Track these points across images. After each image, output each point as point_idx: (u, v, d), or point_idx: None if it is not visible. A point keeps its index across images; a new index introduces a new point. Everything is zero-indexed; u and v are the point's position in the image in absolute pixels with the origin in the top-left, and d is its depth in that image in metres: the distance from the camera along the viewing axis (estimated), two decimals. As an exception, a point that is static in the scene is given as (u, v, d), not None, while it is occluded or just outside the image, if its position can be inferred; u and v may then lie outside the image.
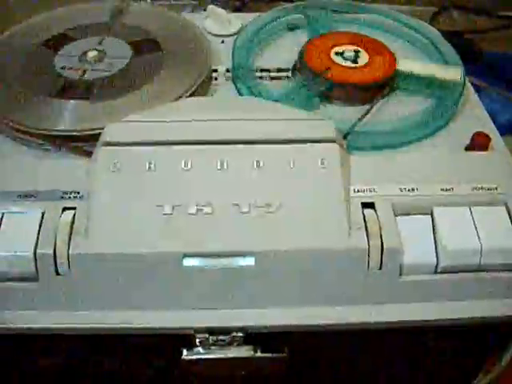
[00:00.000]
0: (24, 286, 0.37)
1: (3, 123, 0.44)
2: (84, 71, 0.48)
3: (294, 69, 0.51)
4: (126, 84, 0.47)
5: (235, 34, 0.55)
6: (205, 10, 0.58)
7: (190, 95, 0.46)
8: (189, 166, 0.39)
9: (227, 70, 0.51)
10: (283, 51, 0.53)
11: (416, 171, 0.41)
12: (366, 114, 0.46)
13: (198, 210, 0.37)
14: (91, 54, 0.49)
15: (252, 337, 0.39)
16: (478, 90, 0.52)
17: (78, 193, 0.39)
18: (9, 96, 0.46)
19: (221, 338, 0.39)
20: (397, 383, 0.47)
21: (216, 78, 0.50)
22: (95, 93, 0.46)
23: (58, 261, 0.36)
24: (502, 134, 0.46)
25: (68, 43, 0.51)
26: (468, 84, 0.51)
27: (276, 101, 0.45)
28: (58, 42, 0.52)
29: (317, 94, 0.48)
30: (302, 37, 0.54)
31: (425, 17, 0.94)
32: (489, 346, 0.44)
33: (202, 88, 0.48)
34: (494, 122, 0.48)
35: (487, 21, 0.96)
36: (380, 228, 0.37)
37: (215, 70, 0.51)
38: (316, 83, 0.48)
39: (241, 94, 0.48)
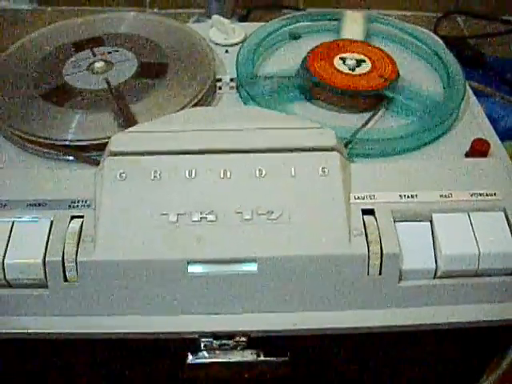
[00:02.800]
0: (34, 293, 0.38)
1: (13, 133, 0.46)
2: (91, 82, 0.49)
3: (297, 77, 0.52)
4: (132, 94, 0.48)
5: (239, 43, 0.56)
6: (209, 18, 0.59)
7: (195, 105, 0.47)
8: (193, 175, 0.40)
9: (231, 80, 0.52)
10: (286, 60, 0.54)
11: (416, 178, 0.41)
12: (367, 122, 0.47)
13: (201, 217, 0.38)
14: (98, 65, 0.50)
15: (255, 341, 0.40)
16: (481, 94, 0.53)
17: (86, 201, 0.40)
18: (18, 106, 0.48)
19: (225, 342, 0.40)
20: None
21: (220, 88, 0.51)
22: (102, 103, 0.47)
23: (67, 268, 0.37)
24: (504, 139, 0.47)
25: (76, 54, 0.53)
26: (469, 90, 0.51)
27: (280, 109, 0.46)
28: (66, 52, 0.53)
29: (319, 102, 0.49)
30: (304, 45, 0.55)
31: (429, 22, 0.95)
32: (489, 349, 0.45)
33: (207, 97, 0.49)
34: (497, 127, 0.48)
35: (491, 26, 0.96)
36: (380, 234, 0.38)
37: (219, 80, 0.52)
38: (318, 91, 0.49)
39: (245, 103, 0.49)
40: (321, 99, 0.49)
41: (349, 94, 0.48)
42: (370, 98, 0.49)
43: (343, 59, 0.52)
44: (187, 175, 0.40)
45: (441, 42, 0.57)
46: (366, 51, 0.53)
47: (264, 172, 0.40)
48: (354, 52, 0.53)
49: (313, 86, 0.50)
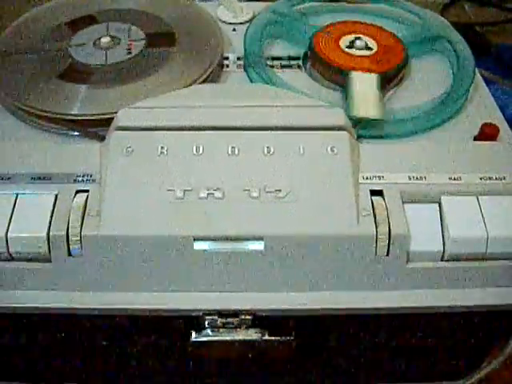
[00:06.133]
0: (37, 267, 0.38)
1: (18, 107, 0.45)
2: (98, 56, 0.49)
3: (305, 57, 0.51)
4: (139, 70, 0.47)
5: (247, 22, 0.55)
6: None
7: (202, 82, 0.47)
8: (200, 151, 0.39)
9: (238, 58, 0.51)
10: (294, 40, 0.53)
11: (425, 160, 0.41)
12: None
13: (208, 194, 0.38)
14: (105, 40, 0.50)
15: (260, 320, 0.40)
16: (487, 82, 0.52)
17: (91, 176, 0.39)
18: (23, 80, 0.47)
19: (229, 320, 0.40)
20: (401, 367, 0.47)
21: (227, 66, 0.51)
22: (108, 78, 0.47)
23: (71, 242, 0.37)
24: (511, 127, 0.47)
25: (82, 28, 0.52)
26: (478, 75, 0.51)
27: (287, 88, 0.46)
28: (72, 27, 0.52)
29: (326, 83, 0.48)
30: (311, 26, 0.54)
31: (436, 8, 0.94)
32: (493, 334, 0.44)
33: (214, 75, 0.49)
34: (504, 115, 0.48)
35: (498, 13, 0.96)
36: (388, 215, 0.38)
37: (226, 58, 0.51)
38: (326, 72, 0.48)
39: (252, 81, 0.49)
40: (327, 80, 0.49)
41: (343, 74, 0.48)
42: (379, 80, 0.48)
43: (351, 41, 0.51)
44: (194, 151, 0.39)
45: (450, 25, 0.56)
46: (374, 32, 0.52)
47: (272, 150, 0.39)
48: (361, 34, 0.52)
49: (319, 67, 0.49)
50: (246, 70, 0.50)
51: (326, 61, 0.48)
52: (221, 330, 0.40)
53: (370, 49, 0.50)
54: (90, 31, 0.52)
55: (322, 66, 0.49)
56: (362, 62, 0.49)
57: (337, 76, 0.48)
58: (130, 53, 0.49)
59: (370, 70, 0.48)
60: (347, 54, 0.49)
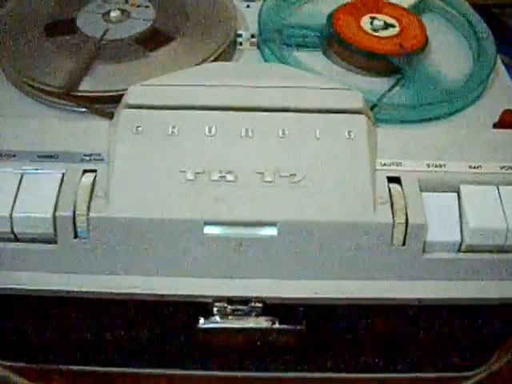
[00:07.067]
0: (42, 248, 0.37)
1: (24, 82, 0.44)
2: (107, 31, 0.47)
3: (322, 36, 0.49)
4: (150, 46, 0.46)
5: (262, -2, 0.53)
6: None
7: (214, 60, 0.45)
8: (212, 132, 0.38)
9: (252, 36, 0.50)
10: (310, 18, 0.51)
11: (443, 147, 0.40)
12: (394, 85, 0.45)
13: (220, 177, 0.36)
14: (114, 14, 0.48)
15: (271, 308, 0.39)
16: (505, 66, 0.51)
17: (99, 155, 0.38)
18: (31, 56, 0.45)
19: (239, 307, 0.39)
20: (413, 357, 0.47)
21: (241, 43, 0.49)
22: (118, 54, 0.45)
23: (78, 224, 0.36)
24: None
25: (91, 2, 0.50)
26: (499, 60, 0.50)
27: (303, 68, 0.44)
28: (80, 1, 0.51)
29: (344, 64, 0.47)
30: (329, 3, 0.52)
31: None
32: (507, 328, 0.44)
33: (227, 53, 0.47)
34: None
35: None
36: (405, 203, 0.37)
37: (239, 35, 0.50)
38: (345, 52, 0.47)
39: (266, 60, 0.47)
40: (346, 61, 0.47)
41: (360, 54, 0.46)
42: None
43: (372, 19, 0.49)
44: (207, 132, 0.38)
45: (471, 8, 0.55)
46: (395, 12, 0.50)
47: (287, 132, 0.38)
48: (385, 14, 0.50)
49: (338, 47, 0.48)
50: (259, 49, 0.49)
51: (345, 41, 0.47)
52: (230, 317, 0.39)
53: (390, 30, 0.49)
54: (99, 4, 0.50)
55: (340, 47, 0.47)
56: (384, 42, 0.47)
57: (356, 57, 0.47)
58: (140, 28, 0.47)
59: (392, 51, 0.46)
60: (368, 33, 0.48)
